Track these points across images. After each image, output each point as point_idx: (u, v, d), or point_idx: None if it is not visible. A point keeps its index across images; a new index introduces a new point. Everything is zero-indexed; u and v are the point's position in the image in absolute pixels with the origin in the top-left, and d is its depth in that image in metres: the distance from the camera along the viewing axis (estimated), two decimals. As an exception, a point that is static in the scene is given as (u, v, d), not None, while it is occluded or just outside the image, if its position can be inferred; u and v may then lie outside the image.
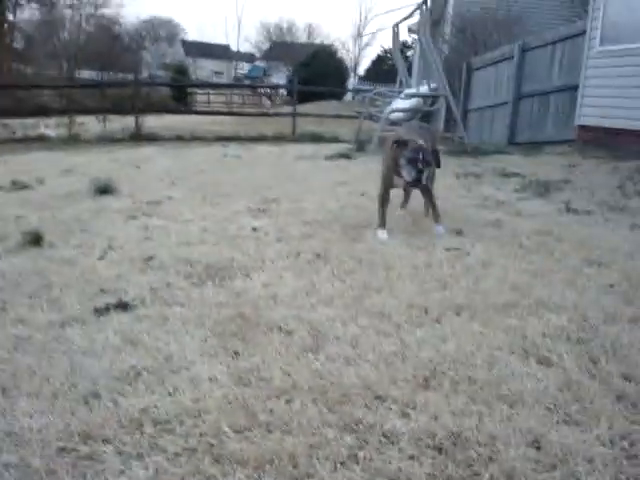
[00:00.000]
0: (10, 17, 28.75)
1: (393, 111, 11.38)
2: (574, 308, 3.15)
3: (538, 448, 2.02)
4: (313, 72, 32.98)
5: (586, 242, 4.45)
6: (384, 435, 2.07)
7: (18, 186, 7.64)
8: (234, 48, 59.69)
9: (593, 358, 2.61)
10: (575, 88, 10.91)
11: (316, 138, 14.50)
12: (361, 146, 11.16)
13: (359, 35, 49.81)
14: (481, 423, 2.13)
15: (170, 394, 2.34)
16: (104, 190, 6.62)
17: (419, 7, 11.69)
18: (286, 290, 3.44)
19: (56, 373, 2.53)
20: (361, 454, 1.98)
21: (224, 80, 55.69)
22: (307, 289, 3.46)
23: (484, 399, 2.30)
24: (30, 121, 20.29)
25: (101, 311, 3.20)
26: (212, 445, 2.03)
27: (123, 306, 3.26)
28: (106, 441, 2.07)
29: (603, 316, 3.04)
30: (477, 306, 3.19)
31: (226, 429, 2.09)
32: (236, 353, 2.67)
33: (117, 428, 2.13)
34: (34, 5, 28.79)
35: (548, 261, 4.01)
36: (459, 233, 4.69)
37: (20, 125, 19.37)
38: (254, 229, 4.86)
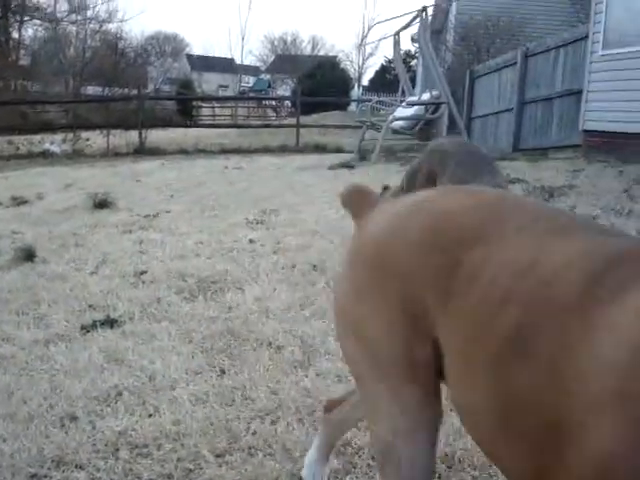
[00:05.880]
0: (15, 34, 28.89)
1: (395, 119, 11.27)
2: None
3: None
4: (317, 83, 32.98)
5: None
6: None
7: (17, 201, 7.60)
8: (239, 61, 59.64)
9: None
10: (579, 93, 10.77)
11: (320, 149, 14.44)
12: (363, 155, 11.06)
13: (361, 44, 49.53)
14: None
15: (150, 415, 2.23)
16: (102, 204, 6.55)
17: (418, 15, 11.56)
18: (279, 303, 3.32)
19: (34, 394, 2.43)
20: (348, 478, 1.86)
21: (229, 93, 55.71)
22: (301, 302, 3.34)
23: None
24: (36, 137, 20.35)
25: (87, 328, 3.11)
26: (190, 470, 1.92)
27: (110, 323, 3.16)
28: (79, 467, 1.96)
29: None
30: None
31: (205, 453, 1.98)
32: (222, 371, 2.56)
33: (92, 453, 2.02)
34: (37, 22, 28.85)
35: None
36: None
37: (25, 141, 19.44)
38: (250, 241, 4.75)
